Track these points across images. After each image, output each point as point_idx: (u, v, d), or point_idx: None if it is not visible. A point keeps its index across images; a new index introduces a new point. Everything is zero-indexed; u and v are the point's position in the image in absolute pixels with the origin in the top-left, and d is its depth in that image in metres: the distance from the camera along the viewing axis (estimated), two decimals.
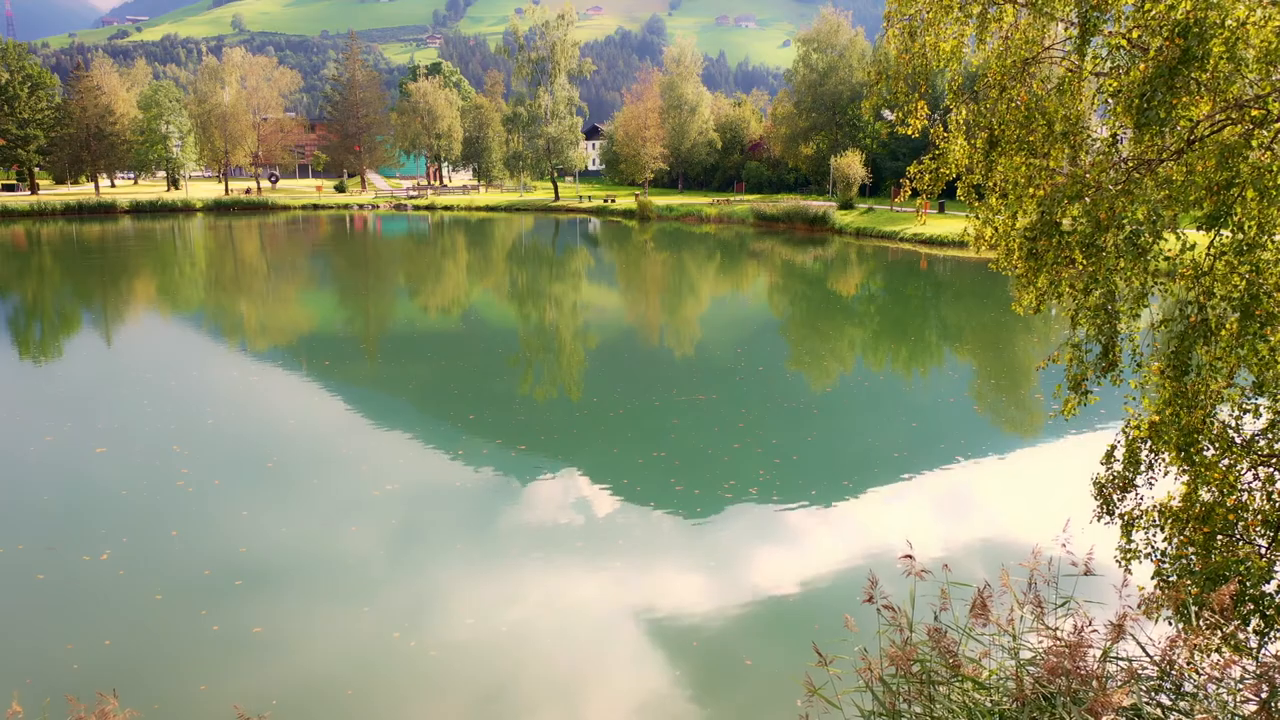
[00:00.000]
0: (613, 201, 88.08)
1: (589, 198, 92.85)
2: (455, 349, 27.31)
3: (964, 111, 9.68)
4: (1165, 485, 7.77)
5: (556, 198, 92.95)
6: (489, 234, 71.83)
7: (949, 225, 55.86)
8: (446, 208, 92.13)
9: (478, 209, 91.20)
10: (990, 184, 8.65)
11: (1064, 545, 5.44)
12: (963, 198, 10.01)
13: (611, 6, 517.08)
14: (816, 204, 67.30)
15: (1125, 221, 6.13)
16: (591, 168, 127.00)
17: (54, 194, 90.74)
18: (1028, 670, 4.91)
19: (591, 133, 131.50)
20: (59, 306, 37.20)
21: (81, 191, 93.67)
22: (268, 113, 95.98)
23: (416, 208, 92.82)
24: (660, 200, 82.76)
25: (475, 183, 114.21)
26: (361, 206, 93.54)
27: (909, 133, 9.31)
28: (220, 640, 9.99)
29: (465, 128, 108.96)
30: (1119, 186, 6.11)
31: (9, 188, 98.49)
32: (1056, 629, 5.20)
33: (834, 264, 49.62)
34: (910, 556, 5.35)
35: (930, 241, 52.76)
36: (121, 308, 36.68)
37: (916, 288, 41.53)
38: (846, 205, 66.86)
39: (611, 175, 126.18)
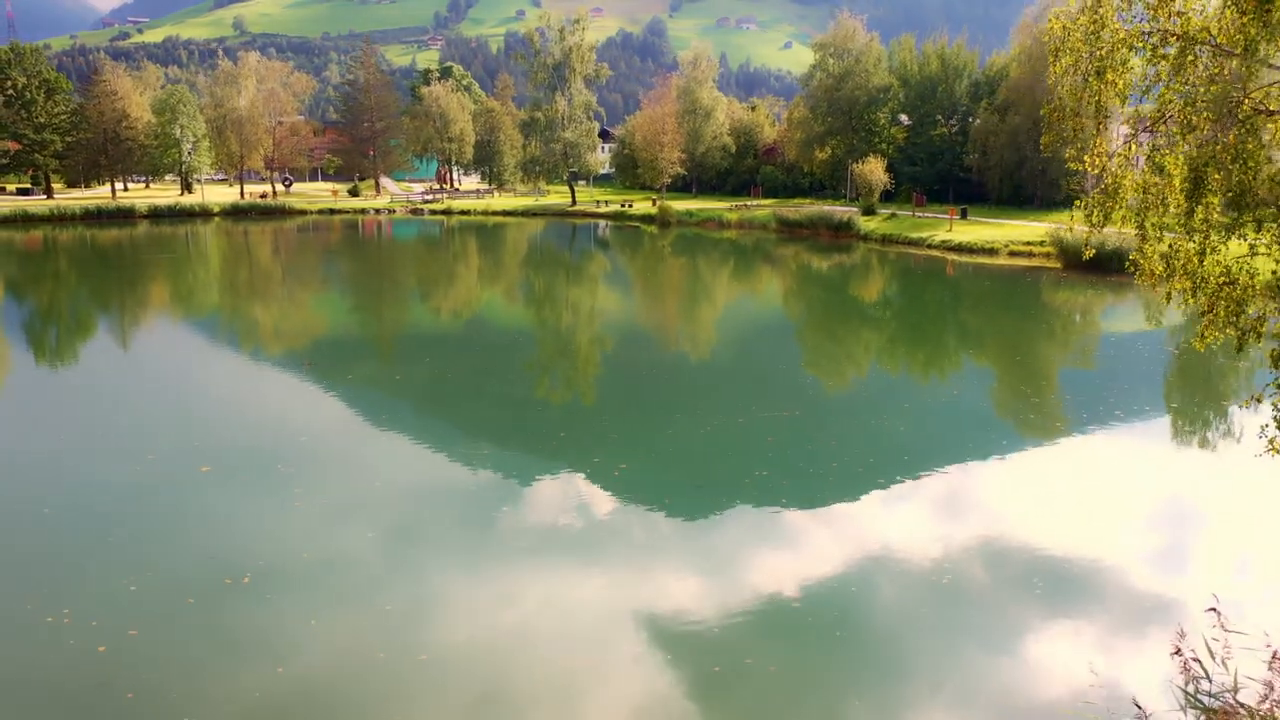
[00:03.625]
0: (630, 206, 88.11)
1: (605, 202, 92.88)
2: (530, 363, 27.38)
3: (1133, 146, 9.78)
4: None
5: (573, 202, 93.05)
6: (511, 240, 71.88)
7: (975, 232, 55.96)
8: (463, 212, 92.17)
9: (494, 213, 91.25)
10: (1188, 223, 8.75)
11: None
12: (1122, 228, 10.10)
13: (612, 8, 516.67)
14: (840, 210, 67.35)
15: None
16: (601, 171, 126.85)
17: (71, 198, 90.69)
18: None
19: (601, 136, 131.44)
20: (108, 318, 37.24)
21: (97, 196, 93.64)
22: (283, 116, 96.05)
23: (433, 212, 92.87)
24: (677, 205, 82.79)
25: (487, 186, 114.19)
26: (378, 211, 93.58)
27: (1085, 169, 9.41)
28: (400, 669, 10.05)
29: (477, 131, 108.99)
30: None
31: (24, 191, 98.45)
32: None
33: (871, 272, 49.64)
34: (1215, 610, 5.45)
35: (959, 248, 52.80)
36: (176, 319, 36.76)
37: (963, 296, 41.50)
38: (868, 211, 66.97)
39: (622, 179, 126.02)
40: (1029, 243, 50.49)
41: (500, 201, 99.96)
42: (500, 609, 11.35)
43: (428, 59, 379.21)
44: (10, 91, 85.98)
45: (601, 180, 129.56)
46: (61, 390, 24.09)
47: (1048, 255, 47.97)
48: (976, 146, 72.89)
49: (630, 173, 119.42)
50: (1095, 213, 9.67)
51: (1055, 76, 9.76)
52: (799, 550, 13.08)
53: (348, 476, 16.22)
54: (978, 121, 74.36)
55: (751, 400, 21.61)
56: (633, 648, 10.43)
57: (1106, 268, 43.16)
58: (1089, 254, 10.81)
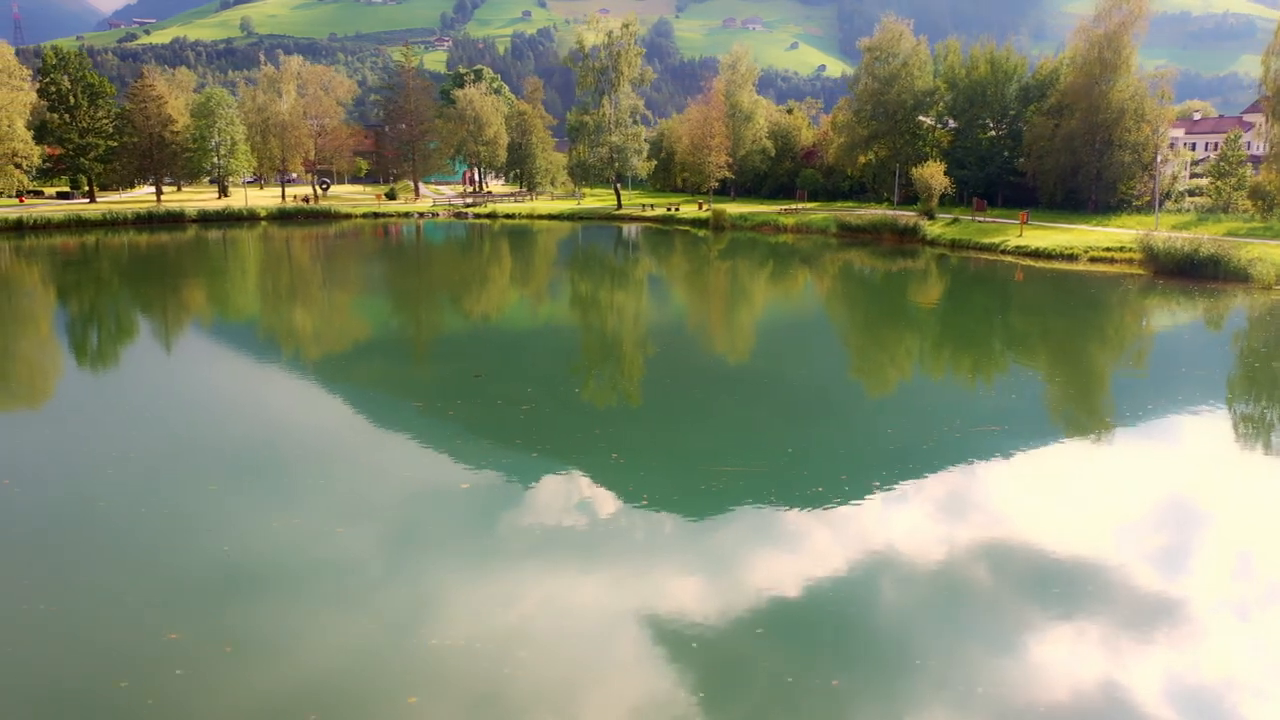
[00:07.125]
0: (676, 210, 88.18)
1: (651, 205, 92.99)
2: (689, 390, 27.40)
3: None
4: None
5: (619, 206, 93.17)
6: (567, 245, 71.86)
7: (1047, 237, 55.72)
8: (508, 216, 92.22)
9: (539, 217, 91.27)
10: None
11: None
12: None
13: (618, 9, 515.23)
14: (904, 214, 67.40)
15: None
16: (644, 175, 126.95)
17: (114, 202, 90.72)
18: None
19: None
20: (200, 322, 37.28)
21: (138, 199, 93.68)
22: (324, 119, 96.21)
23: (477, 216, 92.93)
24: (720, 208, 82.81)
25: (520, 189, 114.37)
26: (421, 215, 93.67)
27: None
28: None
29: (509, 134, 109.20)
30: None
31: (64, 195, 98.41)
32: None
33: (953, 280, 48.44)
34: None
35: (1035, 254, 52.52)
36: (298, 339, 36.85)
37: (1075, 306, 40.40)
38: (928, 215, 67.03)
39: (654, 182, 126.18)
40: (1108, 248, 50.41)
41: (544, 205, 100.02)
42: (501, 608, 11.44)
43: (435, 60, 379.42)
44: (54, 95, 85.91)
45: (637, 183, 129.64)
46: (94, 393, 24.47)
47: (1130, 261, 47.86)
48: (1029, 150, 72.81)
49: (665, 176, 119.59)
50: None
51: None
52: (802, 550, 13.25)
53: (362, 476, 16.51)
54: (1027, 126, 74.34)
55: (956, 412, 21.64)
56: (633, 648, 10.52)
57: (1199, 274, 43.07)
58: None
